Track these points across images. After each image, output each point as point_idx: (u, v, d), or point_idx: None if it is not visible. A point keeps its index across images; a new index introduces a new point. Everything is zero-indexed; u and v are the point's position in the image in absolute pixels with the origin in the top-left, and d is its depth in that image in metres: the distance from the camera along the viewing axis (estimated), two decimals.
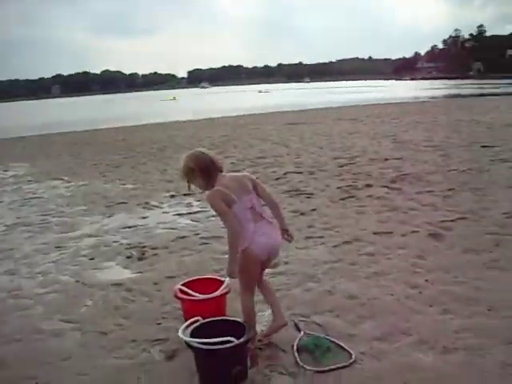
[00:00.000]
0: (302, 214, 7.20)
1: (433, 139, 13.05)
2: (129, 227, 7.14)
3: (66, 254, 6.21)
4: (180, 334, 3.39)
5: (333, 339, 3.84)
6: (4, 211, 8.70)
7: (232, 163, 11.49)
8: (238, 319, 3.65)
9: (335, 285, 4.80)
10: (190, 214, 7.72)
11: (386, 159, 10.71)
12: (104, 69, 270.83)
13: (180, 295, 3.99)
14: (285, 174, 9.94)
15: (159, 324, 4.27)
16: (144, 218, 7.63)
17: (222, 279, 4.21)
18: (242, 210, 3.55)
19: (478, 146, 11.90)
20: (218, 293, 3.94)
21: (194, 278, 4.34)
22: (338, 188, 8.46)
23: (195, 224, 7.16)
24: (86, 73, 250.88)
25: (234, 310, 4.14)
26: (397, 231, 6.13)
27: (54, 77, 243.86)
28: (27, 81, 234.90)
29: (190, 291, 3.99)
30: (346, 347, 3.73)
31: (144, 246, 6.26)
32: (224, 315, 4.09)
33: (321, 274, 5.06)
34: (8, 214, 8.41)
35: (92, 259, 5.95)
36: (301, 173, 9.95)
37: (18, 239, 6.98)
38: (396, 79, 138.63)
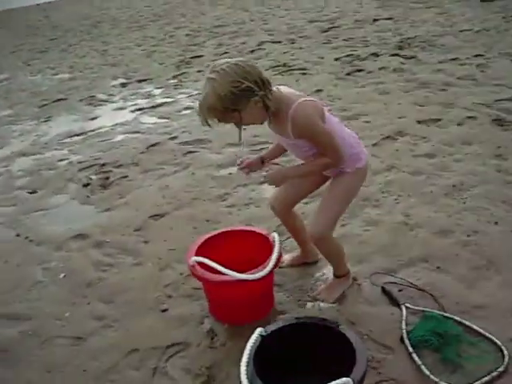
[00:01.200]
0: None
1: None
2: (76, 135, 5.24)
3: None
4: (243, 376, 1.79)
5: (457, 318, 2.38)
6: None
7: (187, 35, 9.36)
8: (328, 320, 2.09)
9: (408, 210, 3.27)
10: (153, 107, 5.85)
11: (376, 19, 8.84)
12: None
13: (204, 275, 2.34)
14: (259, 44, 7.98)
15: (165, 311, 2.66)
16: (93, 118, 5.70)
17: (262, 232, 2.59)
18: (335, 122, 2.35)
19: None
20: (269, 267, 2.31)
21: (214, 232, 2.66)
22: (336, 59, 6.67)
23: (166, 122, 5.34)
24: None
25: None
26: (447, 117, 4.55)
27: None
28: None
29: (217, 266, 2.33)
30: (489, 335, 2.28)
31: (104, 164, 4.45)
32: (272, 298, 2.55)
33: (379, 193, 3.50)
34: None
35: (33, 193, 4.14)
36: (279, 42, 8.03)
37: None
38: None
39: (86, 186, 4.10)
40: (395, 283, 2.68)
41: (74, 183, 4.18)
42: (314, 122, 2.17)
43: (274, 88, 2.17)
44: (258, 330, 1.97)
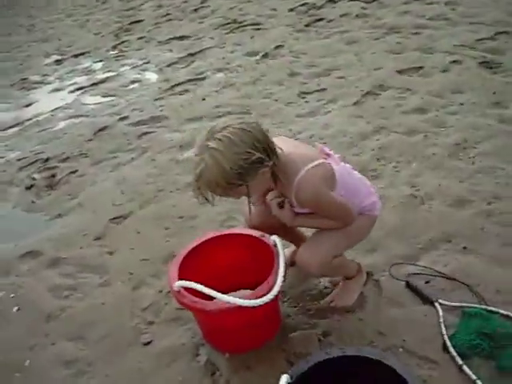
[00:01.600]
0: (265, 55, 4.90)
1: None
2: (11, 127, 4.54)
3: None
4: None
5: (503, 312, 2.00)
6: None
7: None
8: (359, 348, 1.63)
9: (413, 179, 2.85)
10: (95, 84, 5.17)
11: None
12: None
13: (196, 303, 1.83)
14: (203, 1, 7.27)
15: (149, 344, 2.15)
16: (29, 105, 4.98)
17: (256, 235, 2.07)
18: (346, 175, 1.94)
19: None
20: (277, 287, 1.81)
21: (195, 242, 2.13)
22: (291, 10, 6.06)
23: (112, 101, 4.70)
24: None
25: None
26: (429, 64, 4.09)
27: None
28: None
29: (210, 291, 1.82)
30: None
31: (48, 159, 3.82)
32: (279, 315, 2.09)
33: (374, 161, 3.04)
34: None
35: None
36: None
37: None
38: None
39: (29, 188, 3.48)
40: (419, 274, 2.25)
41: (14, 186, 3.55)
42: (321, 194, 1.82)
43: (278, 150, 1.76)
44: (284, 379, 1.50)
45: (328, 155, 1.92)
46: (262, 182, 1.76)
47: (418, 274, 2.24)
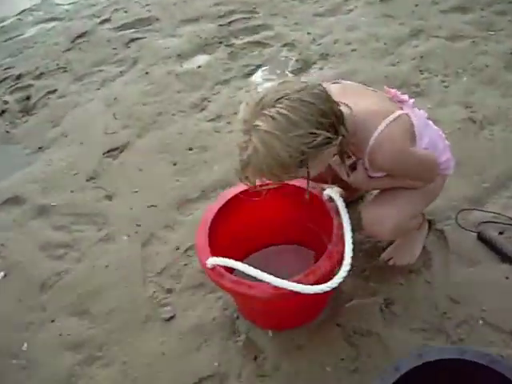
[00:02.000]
0: None
1: None
2: None
3: None
4: None
5: None
6: None
7: None
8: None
9: (466, 98, 2.42)
10: None
11: None
12: None
13: (238, 286, 1.42)
14: None
15: (171, 319, 1.77)
16: None
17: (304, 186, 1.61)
18: (424, 124, 1.53)
19: None
20: (345, 269, 1.39)
21: (227, 194, 1.68)
22: None
23: None
24: None
25: None
26: None
27: None
28: None
29: (256, 272, 1.40)
30: None
31: (20, 76, 3.23)
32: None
33: (416, 73, 2.58)
34: None
35: None
36: None
37: None
38: None
39: (1, 114, 2.93)
40: (491, 222, 1.86)
41: None
42: (403, 154, 1.43)
43: (344, 108, 1.31)
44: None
45: (402, 102, 1.49)
46: (325, 159, 1.35)
47: (489, 222, 1.86)
